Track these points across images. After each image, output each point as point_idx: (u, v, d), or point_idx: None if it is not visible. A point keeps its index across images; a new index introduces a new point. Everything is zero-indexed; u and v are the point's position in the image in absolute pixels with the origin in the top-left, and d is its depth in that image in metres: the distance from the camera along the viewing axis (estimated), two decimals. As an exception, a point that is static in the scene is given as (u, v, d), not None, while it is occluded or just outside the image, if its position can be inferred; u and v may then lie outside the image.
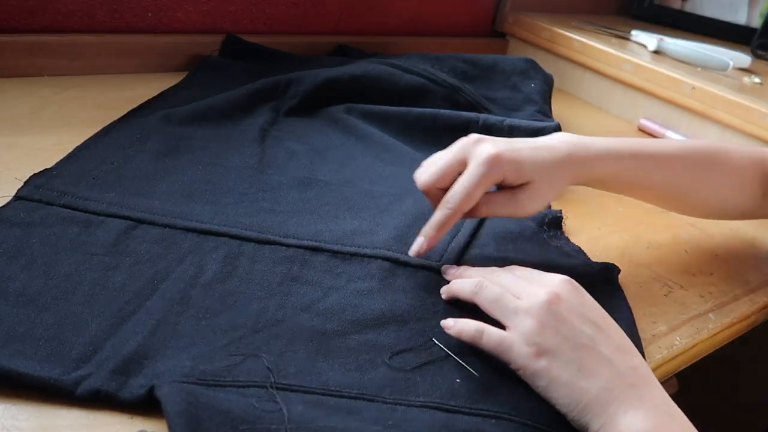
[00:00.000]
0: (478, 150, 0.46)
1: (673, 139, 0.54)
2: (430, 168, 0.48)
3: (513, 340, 0.39)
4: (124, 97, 0.70)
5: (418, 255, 0.47)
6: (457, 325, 0.41)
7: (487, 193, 0.47)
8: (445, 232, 0.47)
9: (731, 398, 0.96)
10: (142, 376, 0.35)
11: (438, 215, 0.46)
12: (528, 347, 0.38)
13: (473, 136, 0.48)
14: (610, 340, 0.38)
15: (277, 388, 0.35)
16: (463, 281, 0.44)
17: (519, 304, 0.40)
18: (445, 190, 0.47)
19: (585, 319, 0.39)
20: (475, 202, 0.46)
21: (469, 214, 0.48)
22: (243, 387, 0.35)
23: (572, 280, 0.42)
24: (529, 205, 0.48)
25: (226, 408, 0.33)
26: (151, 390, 0.34)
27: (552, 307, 0.39)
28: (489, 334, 0.40)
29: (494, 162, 0.45)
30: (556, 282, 0.41)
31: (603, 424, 0.35)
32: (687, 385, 0.56)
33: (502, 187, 0.48)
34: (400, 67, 0.77)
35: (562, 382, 0.37)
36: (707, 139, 0.87)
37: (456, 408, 0.37)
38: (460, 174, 0.46)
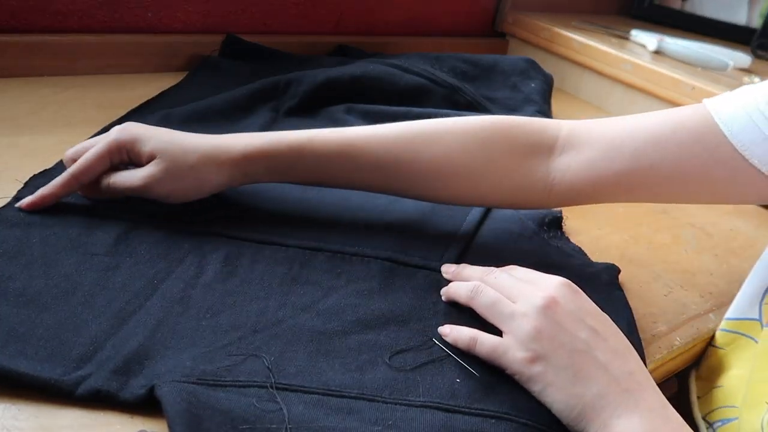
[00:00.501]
0: (115, 128, 0.48)
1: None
2: (79, 145, 0.49)
3: (507, 345, 0.38)
4: (124, 97, 0.70)
5: (22, 207, 0.46)
6: (452, 333, 0.41)
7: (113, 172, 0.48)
8: (60, 195, 0.47)
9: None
10: (143, 376, 0.35)
11: (58, 178, 0.47)
12: (523, 352, 0.38)
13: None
14: (606, 344, 0.38)
15: (277, 388, 0.35)
16: (459, 285, 0.44)
17: (515, 308, 0.39)
18: None
19: (582, 324, 0.38)
20: (93, 171, 0.46)
21: (90, 190, 0.48)
22: (243, 387, 0.35)
23: (570, 283, 0.41)
24: (156, 184, 0.46)
25: (227, 408, 0.33)
26: (151, 390, 0.34)
27: (548, 311, 0.38)
28: (482, 342, 0.39)
29: (117, 131, 0.47)
30: (554, 285, 0.40)
31: (598, 429, 0.35)
32: (687, 385, 0.56)
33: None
34: (400, 67, 0.77)
35: (557, 387, 0.37)
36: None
37: (456, 408, 0.37)
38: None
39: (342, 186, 0.52)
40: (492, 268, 0.45)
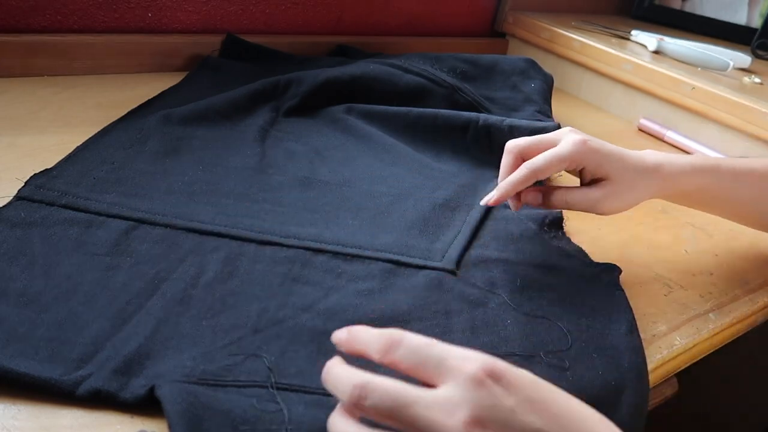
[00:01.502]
0: (569, 135, 0.50)
1: (740, 158, 0.56)
2: (526, 138, 0.52)
3: None
4: (124, 97, 0.70)
5: (488, 204, 0.50)
6: None
7: (565, 186, 0.51)
8: (518, 190, 0.49)
9: (731, 398, 0.96)
10: (143, 376, 0.35)
11: (517, 173, 0.49)
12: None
13: (566, 128, 0.52)
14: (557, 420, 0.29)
15: (277, 388, 0.35)
16: (340, 383, 0.30)
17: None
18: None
19: (525, 413, 0.28)
20: (550, 173, 0.49)
21: (546, 203, 0.51)
22: (244, 387, 0.35)
23: (493, 369, 0.29)
24: (604, 202, 0.50)
25: (227, 408, 0.33)
26: (151, 390, 0.34)
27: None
28: None
29: (580, 144, 0.48)
30: (471, 385, 0.28)
31: None
32: (687, 385, 0.56)
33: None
34: (400, 67, 0.77)
35: None
36: (707, 140, 0.87)
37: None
38: None
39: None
40: (385, 339, 0.31)
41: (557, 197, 0.51)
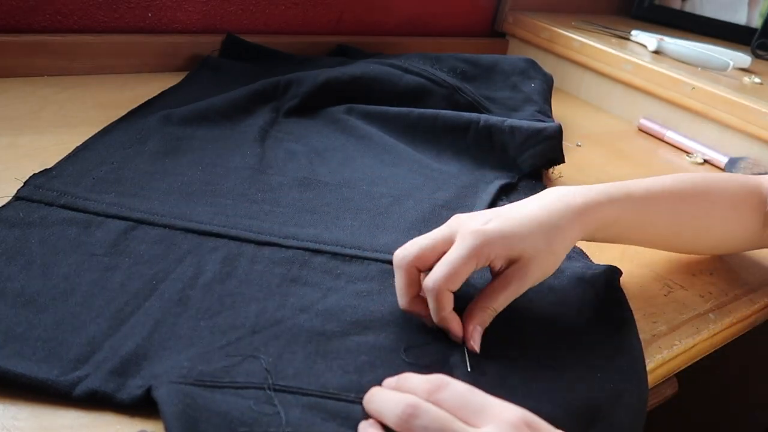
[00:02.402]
0: (462, 226, 0.42)
1: (651, 178, 0.52)
2: (411, 246, 0.42)
3: None
4: (124, 97, 0.70)
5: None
6: None
7: (482, 302, 0.42)
8: (451, 322, 0.41)
9: (731, 398, 0.96)
10: (140, 377, 0.35)
11: (431, 304, 0.40)
12: None
13: (457, 216, 0.44)
14: None
15: (275, 390, 0.35)
16: (389, 403, 0.33)
17: None
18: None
19: None
20: (460, 282, 0.40)
21: (469, 324, 0.41)
22: (241, 388, 0.35)
23: (532, 417, 0.32)
24: (528, 282, 0.42)
25: (224, 410, 0.33)
26: (148, 391, 0.34)
27: None
28: None
29: (479, 235, 0.40)
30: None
31: None
32: (687, 385, 0.56)
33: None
34: (400, 67, 0.77)
35: None
36: (707, 140, 0.87)
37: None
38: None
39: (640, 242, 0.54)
40: (432, 381, 0.33)
41: (487, 316, 0.42)
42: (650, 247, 0.57)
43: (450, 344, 0.41)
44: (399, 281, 0.42)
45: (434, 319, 0.41)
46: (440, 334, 0.42)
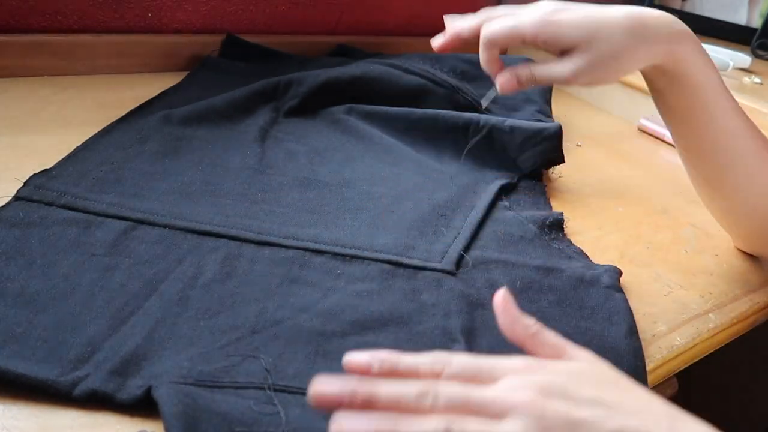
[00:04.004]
0: (537, 7, 0.48)
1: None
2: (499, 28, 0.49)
3: None
4: (124, 97, 0.70)
5: (438, 45, 0.52)
6: None
7: (534, 63, 0.49)
8: (465, 37, 0.50)
9: (731, 398, 0.96)
10: (140, 377, 0.35)
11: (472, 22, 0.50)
12: None
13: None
14: (617, 409, 0.30)
15: (275, 390, 0.35)
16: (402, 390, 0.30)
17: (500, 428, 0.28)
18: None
19: (580, 401, 0.30)
20: (503, 42, 0.48)
21: (514, 81, 0.49)
22: (241, 388, 0.35)
23: (539, 360, 0.32)
24: (577, 75, 0.47)
25: (224, 410, 0.33)
26: (148, 391, 0.34)
27: (538, 410, 0.29)
28: None
29: (538, 22, 0.47)
30: (526, 382, 0.30)
31: None
32: (687, 385, 0.56)
33: None
34: (400, 68, 0.77)
35: None
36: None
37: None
38: None
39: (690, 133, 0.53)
40: (435, 361, 0.32)
41: (524, 72, 0.49)
42: (694, 151, 0.54)
43: (451, 343, 0.41)
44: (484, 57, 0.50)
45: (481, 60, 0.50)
46: (440, 334, 0.42)
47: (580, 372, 0.32)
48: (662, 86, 0.51)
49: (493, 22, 0.48)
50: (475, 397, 0.29)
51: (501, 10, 0.50)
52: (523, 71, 0.49)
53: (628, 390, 0.32)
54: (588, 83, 0.48)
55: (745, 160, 0.52)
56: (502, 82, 0.50)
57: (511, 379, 0.30)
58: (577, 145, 0.83)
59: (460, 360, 0.32)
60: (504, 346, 0.42)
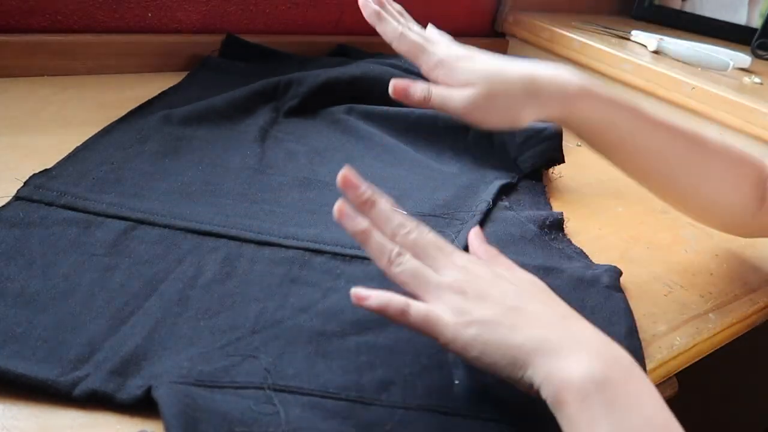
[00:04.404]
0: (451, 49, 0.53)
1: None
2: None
3: (438, 313, 0.36)
4: (124, 97, 0.70)
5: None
6: (379, 298, 0.37)
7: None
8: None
9: (731, 398, 0.96)
10: (140, 377, 0.35)
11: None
12: (456, 317, 0.36)
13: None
14: (535, 297, 0.38)
15: (275, 390, 0.35)
16: (381, 244, 0.39)
17: (439, 279, 0.38)
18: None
19: (507, 282, 0.39)
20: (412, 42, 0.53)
21: (406, 91, 0.52)
22: (241, 388, 0.35)
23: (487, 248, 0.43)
24: (469, 110, 0.50)
25: (224, 410, 0.33)
26: (148, 391, 0.34)
27: (472, 276, 0.38)
28: (417, 308, 0.36)
29: (441, 56, 0.53)
30: (467, 257, 0.41)
31: (547, 373, 0.33)
32: (687, 385, 0.56)
33: None
34: (400, 68, 0.77)
35: (496, 345, 0.35)
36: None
37: (454, 411, 0.37)
38: None
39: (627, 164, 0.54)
40: (399, 219, 0.41)
41: (420, 89, 0.52)
42: (636, 177, 0.55)
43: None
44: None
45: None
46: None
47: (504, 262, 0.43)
48: (575, 132, 0.53)
49: (410, 34, 0.53)
50: (425, 269, 0.39)
51: (436, 37, 0.56)
52: (420, 87, 0.51)
53: (546, 303, 0.38)
54: (480, 122, 0.50)
55: (689, 173, 0.53)
56: (396, 84, 0.52)
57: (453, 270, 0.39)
58: (577, 145, 0.83)
59: (415, 240, 0.40)
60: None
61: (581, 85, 0.49)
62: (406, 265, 0.38)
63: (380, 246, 0.39)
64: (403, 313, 0.36)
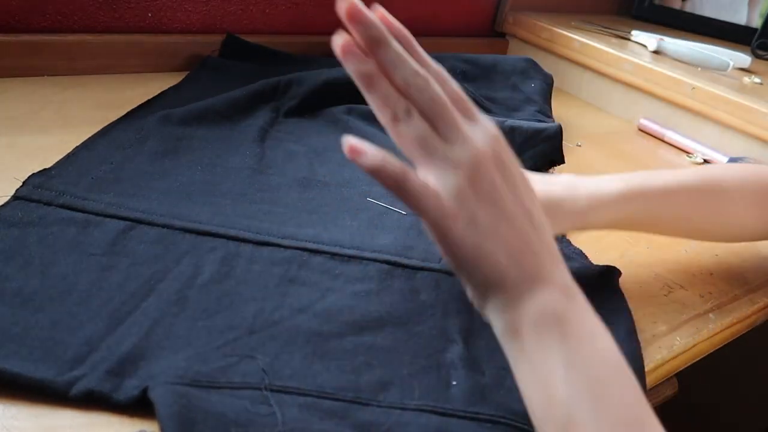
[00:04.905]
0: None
1: (669, 171, 0.53)
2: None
3: (439, 194, 0.32)
4: (124, 97, 0.70)
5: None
6: (375, 156, 0.31)
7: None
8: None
9: (731, 398, 0.96)
10: (137, 377, 0.35)
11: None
12: (457, 207, 0.32)
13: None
14: (529, 213, 0.34)
15: (272, 390, 0.35)
16: (387, 96, 0.33)
17: (448, 153, 0.32)
18: None
19: (510, 185, 0.34)
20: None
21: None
22: (237, 389, 0.35)
23: (501, 136, 0.35)
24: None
25: (220, 411, 0.33)
26: (145, 391, 0.34)
27: (482, 168, 0.32)
28: (412, 180, 0.31)
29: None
30: (489, 136, 0.34)
31: (507, 302, 0.33)
32: (687, 385, 0.56)
33: None
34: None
35: (483, 255, 0.32)
36: (707, 140, 0.87)
37: (451, 412, 0.37)
38: None
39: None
40: (413, 67, 0.33)
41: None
42: (666, 236, 0.57)
43: (449, 344, 0.41)
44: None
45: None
46: (438, 335, 0.42)
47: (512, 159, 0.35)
48: (606, 227, 0.51)
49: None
50: (433, 137, 0.33)
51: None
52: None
53: (537, 226, 0.35)
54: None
55: (714, 221, 0.55)
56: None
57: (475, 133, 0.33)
58: (577, 145, 0.83)
59: (433, 93, 0.33)
60: (501, 346, 0.42)
61: (588, 202, 0.48)
62: (413, 127, 0.33)
63: (386, 96, 0.33)
64: (399, 180, 0.31)
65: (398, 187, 0.31)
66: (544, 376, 0.32)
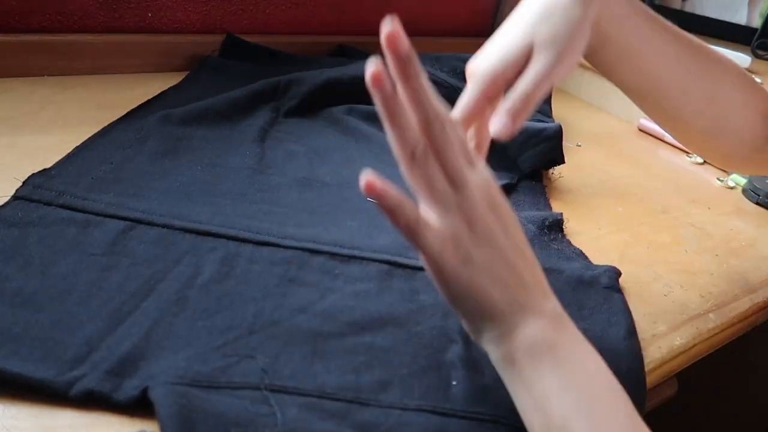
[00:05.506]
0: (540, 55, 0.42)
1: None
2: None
3: (431, 227, 0.34)
4: (124, 97, 0.70)
5: (503, 136, 0.40)
6: (394, 199, 0.33)
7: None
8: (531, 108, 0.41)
9: (731, 398, 0.96)
10: (137, 377, 0.35)
11: (522, 87, 0.41)
12: (453, 248, 0.34)
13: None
14: (519, 249, 0.36)
15: (272, 390, 0.35)
16: (409, 133, 0.34)
17: (452, 197, 0.35)
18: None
19: (502, 224, 0.36)
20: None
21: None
22: (237, 389, 0.35)
23: (492, 178, 0.37)
24: (555, 74, 0.42)
25: (220, 411, 0.33)
26: (145, 391, 0.34)
27: (480, 210, 0.35)
28: (407, 209, 0.33)
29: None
30: (486, 180, 0.36)
31: (502, 333, 0.34)
32: (687, 385, 0.56)
33: None
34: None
35: (475, 291, 0.34)
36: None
37: (451, 412, 0.37)
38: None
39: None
40: (436, 107, 0.36)
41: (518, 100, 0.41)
42: (640, 96, 0.51)
43: (449, 344, 0.41)
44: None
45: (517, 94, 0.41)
46: (438, 335, 0.42)
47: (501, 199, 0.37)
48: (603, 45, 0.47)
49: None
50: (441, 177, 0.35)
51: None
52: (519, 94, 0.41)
53: (525, 257, 0.37)
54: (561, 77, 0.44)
55: (699, 86, 0.49)
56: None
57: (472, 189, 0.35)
58: (577, 145, 0.83)
59: (445, 139, 0.35)
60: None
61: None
62: (427, 168, 0.34)
63: (406, 131, 0.34)
64: (410, 224, 0.33)
65: (408, 229, 0.34)
66: (541, 399, 0.33)
